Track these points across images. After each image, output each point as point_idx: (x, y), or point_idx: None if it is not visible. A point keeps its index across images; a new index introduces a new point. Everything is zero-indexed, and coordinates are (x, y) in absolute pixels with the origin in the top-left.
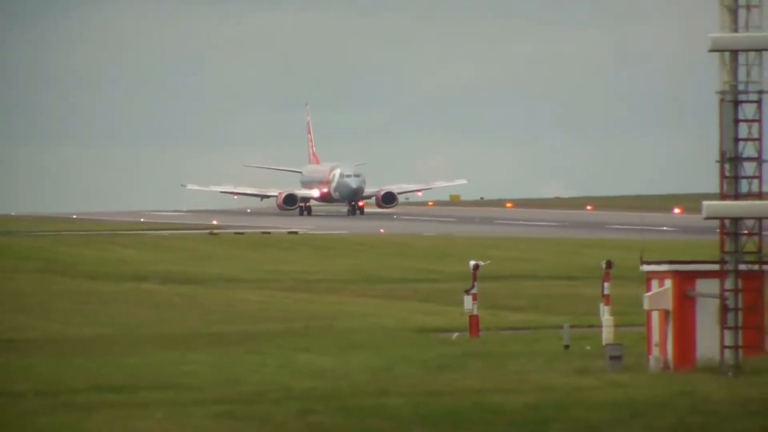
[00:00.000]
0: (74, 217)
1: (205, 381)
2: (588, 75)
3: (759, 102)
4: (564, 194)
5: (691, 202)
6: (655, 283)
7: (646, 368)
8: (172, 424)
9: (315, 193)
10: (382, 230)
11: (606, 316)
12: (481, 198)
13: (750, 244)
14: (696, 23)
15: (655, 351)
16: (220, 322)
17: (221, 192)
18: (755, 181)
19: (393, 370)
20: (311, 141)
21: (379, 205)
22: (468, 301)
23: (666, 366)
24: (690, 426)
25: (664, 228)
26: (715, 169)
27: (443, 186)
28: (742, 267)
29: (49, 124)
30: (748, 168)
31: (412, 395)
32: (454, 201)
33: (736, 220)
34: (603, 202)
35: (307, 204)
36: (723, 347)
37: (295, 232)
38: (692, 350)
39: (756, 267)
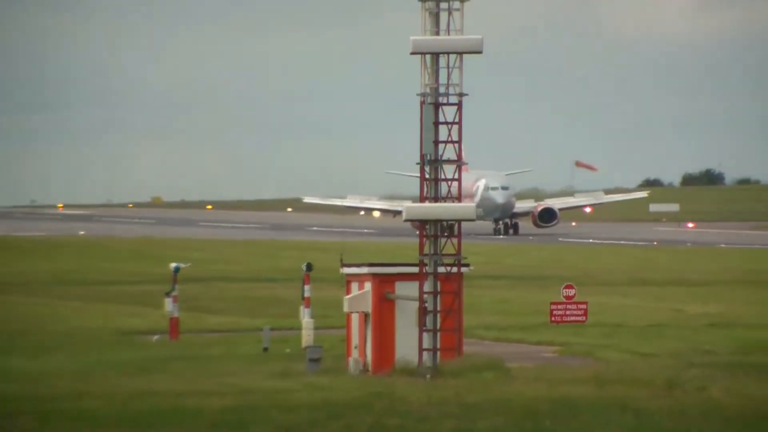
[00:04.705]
0: None
1: None
2: (288, 78)
3: (459, 105)
4: (266, 196)
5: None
6: (355, 285)
7: (345, 370)
8: None
9: None
10: (82, 232)
11: (306, 319)
12: (183, 200)
13: (449, 247)
14: (400, 26)
15: (355, 353)
16: None
17: (346, 206)
18: (455, 184)
19: (92, 372)
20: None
21: (536, 224)
22: (169, 303)
23: (365, 368)
24: (387, 427)
25: (365, 230)
26: (415, 171)
27: (621, 200)
28: (441, 269)
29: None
30: (449, 171)
31: (110, 398)
32: (156, 203)
33: (436, 222)
34: (303, 204)
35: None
36: (421, 349)
37: None
38: (391, 352)
39: (455, 269)
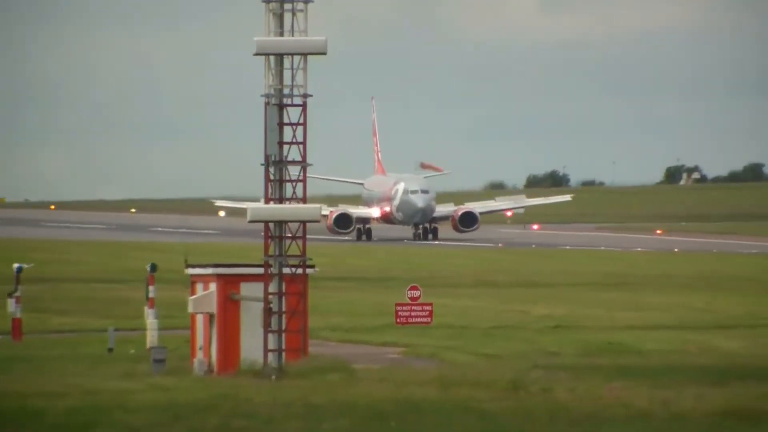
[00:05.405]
0: None
1: None
2: (130, 78)
3: (303, 105)
4: (109, 197)
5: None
6: (200, 286)
7: (190, 371)
8: None
9: (375, 212)
10: None
11: (150, 319)
12: (26, 200)
13: (294, 248)
14: (245, 26)
15: (200, 354)
16: None
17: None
18: (300, 185)
19: None
20: (377, 145)
21: (456, 229)
22: (11, 304)
23: (210, 369)
24: (233, 429)
25: (209, 231)
26: (260, 172)
27: (543, 203)
28: (287, 270)
29: None
30: (293, 171)
31: None
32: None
33: (281, 224)
34: (147, 205)
35: (366, 226)
36: (266, 350)
37: None
38: (236, 353)
39: (300, 270)
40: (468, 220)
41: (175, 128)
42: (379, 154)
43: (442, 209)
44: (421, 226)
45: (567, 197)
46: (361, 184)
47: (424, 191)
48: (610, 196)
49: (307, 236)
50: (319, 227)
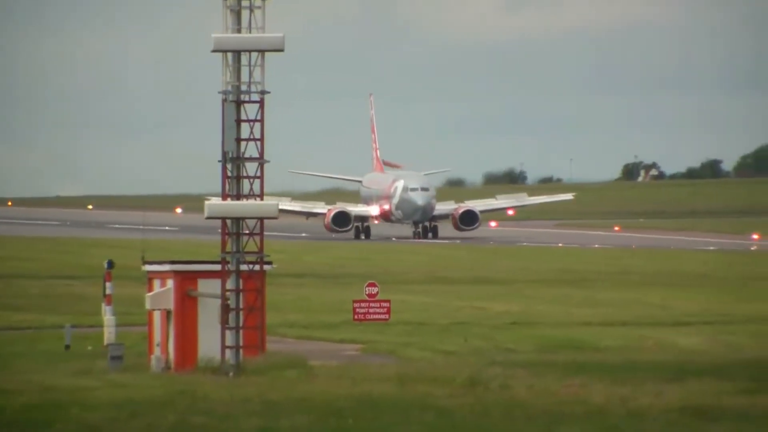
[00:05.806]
0: None
1: None
2: (112, 74)
3: (261, 102)
4: (65, 193)
5: (194, 202)
6: (157, 283)
7: (148, 368)
8: None
9: (374, 210)
10: None
11: (108, 316)
12: None
13: (251, 244)
14: (202, 23)
15: (157, 351)
16: None
17: None
18: (257, 181)
19: None
20: (375, 141)
21: (457, 227)
22: None
23: (168, 366)
24: (190, 426)
25: (166, 228)
26: (218, 169)
27: (545, 202)
28: (244, 267)
29: None
30: (251, 168)
31: None
32: None
33: (238, 220)
34: (104, 201)
35: (365, 224)
36: (224, 347)
37: None
38: (194, 350)
39: (257, 267)
40: (468, 219)
41: (140, 124)
42: (378, 151)
43: (442, 207)
44: (420, 225)
45: (569, 196)
46: (359, 181)
47: (424, 189)
48: (567, 192)
49: (276, 233)
50: (316, 226)
